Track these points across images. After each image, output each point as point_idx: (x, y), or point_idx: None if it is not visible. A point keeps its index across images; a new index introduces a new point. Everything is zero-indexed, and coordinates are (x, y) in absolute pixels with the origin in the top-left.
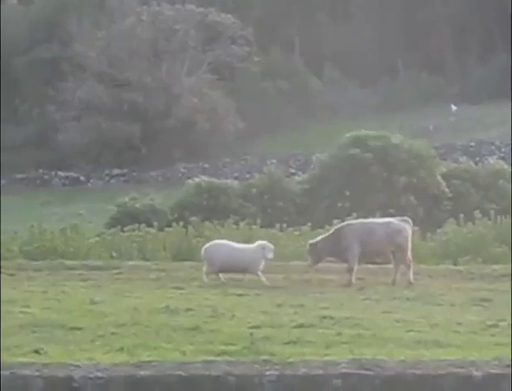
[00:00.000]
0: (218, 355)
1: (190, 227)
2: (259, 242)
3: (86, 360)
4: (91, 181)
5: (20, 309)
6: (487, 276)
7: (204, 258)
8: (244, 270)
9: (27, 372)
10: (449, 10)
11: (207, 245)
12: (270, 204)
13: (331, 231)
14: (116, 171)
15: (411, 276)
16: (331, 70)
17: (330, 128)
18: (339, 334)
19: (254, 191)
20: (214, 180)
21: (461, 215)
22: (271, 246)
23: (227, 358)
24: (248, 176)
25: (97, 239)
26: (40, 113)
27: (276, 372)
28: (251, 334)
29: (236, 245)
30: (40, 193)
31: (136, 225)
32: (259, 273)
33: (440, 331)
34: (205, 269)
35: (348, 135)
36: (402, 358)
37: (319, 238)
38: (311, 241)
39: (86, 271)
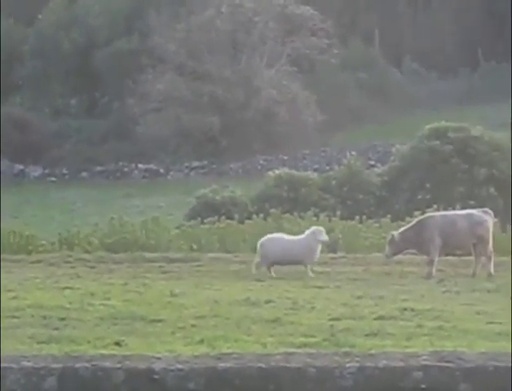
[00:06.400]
0: (299, 347)
1: (270, 219)
2: (313, 228)
3: (167, 352)
4: (171, 173)
5: (101, 301)
6: None
7: (259, 252)
8: (300, 262)
9: (108, 364)
10: None
11: (263, 239)
12: (349, 196)
13: (412, 223)
14: (195, 163)
15: (491, 268)
16: (410, 61)
17: (410, 119)
18: (420, 326)
19: (334, 182)
20: (294, 172)
21: None
22: (322, 228)
23: (308, 349)
24: (327, 168)
25: (177, 231)
26: (120, 106)
27: (357, 364)
28: (331, 326)
29: (289, 238)
30: (120, 186)
31: (216, 217)
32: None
33: None
34: (256, 260)
35: (428, 127)
36: (483, 349)
37: (401, 229)
38: (394, 232)
39: (166, 263)
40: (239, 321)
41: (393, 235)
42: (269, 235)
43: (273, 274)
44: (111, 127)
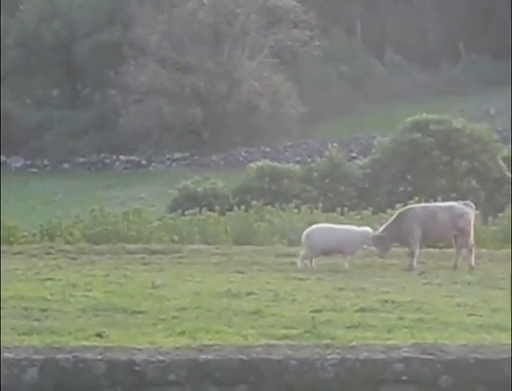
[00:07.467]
0: (280, 339)
1: (251, 211)
2: (365, 228)
3: (148, 344)
4: (153, 165)
5: (83, 292)
6: None
7: (305, 243)
8: (341, 251)
9: (89, 356)
10: None
11: (308, 230)
12: (331, 188)
13: (394, 216)
14: (177, 155)
15: (472, 260)
16: (392, 54)
17: (392, 111)
18: (401, 318)
19: (316, 174)
20: (276, 164)
21: None
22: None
23: (289, 341)
24: (309, 160)
25: (158, 222)
26: (102, 97)
27: (338, 356)
28: (313, 318)
29: (336, 227)
30: (102, 177)
31: (198, 209)
32: (349, 257)
33: (502, 315)
34: (303, 253)
35: (410, 119)
36: (463, 342)
37: (382, 227)
38: (377, 232)
39: (147, 255)
40: (220, 313)
41: (374, 236)
42: (314, 226)
43: (314, 266)
44: (93, 118)
